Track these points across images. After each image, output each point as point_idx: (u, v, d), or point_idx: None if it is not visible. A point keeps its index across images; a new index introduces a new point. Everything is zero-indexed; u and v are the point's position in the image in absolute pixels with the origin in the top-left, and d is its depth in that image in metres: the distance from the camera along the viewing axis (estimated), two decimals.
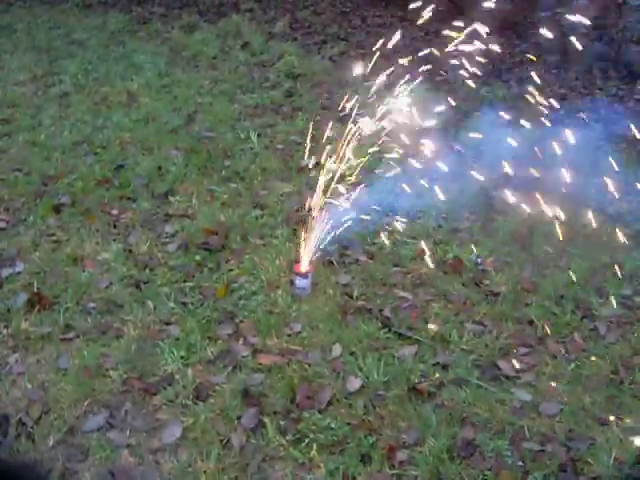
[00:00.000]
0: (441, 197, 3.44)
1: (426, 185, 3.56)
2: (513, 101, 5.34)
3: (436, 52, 3.26)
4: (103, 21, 7.72)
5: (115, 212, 3.91)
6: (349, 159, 3.19)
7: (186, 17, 7.81)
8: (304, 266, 3.25)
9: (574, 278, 3.35)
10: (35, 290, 3.21)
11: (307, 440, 2.49)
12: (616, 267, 3.43)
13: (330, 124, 3.29)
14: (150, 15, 8.05)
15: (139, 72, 6.10)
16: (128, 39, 7.14)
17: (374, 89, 3.14)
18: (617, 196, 3.29)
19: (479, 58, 3.35)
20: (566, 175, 3.21)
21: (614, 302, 3.22)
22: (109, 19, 7.77)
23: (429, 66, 3.37)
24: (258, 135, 4.80)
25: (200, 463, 2.41)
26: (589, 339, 3.05)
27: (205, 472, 2.38)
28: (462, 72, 3.40)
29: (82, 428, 2.54)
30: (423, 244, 3.50)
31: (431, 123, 3.23)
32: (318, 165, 3.36)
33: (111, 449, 2.46)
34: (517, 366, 2.87)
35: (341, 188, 3.21)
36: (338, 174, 3.21)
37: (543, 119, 3.79)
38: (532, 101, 3.65)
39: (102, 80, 5.94)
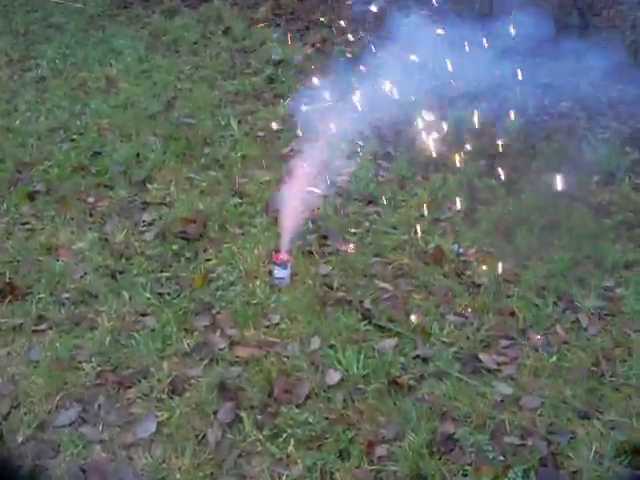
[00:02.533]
0: None
1: None
2: None
3: None
4: (82, 4, 7.57)
5: (91, 200, 3.83)
6: None
7: (167, 2, 7.67)
8: (283, 256, 3.19)
9: (556, 269, 3.33)
10: (7, 280, 3.14)
11: (284, 435, 2.44)
12: (598, 258, 3.42)
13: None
14: None
15: (118, 57, 5.99)
16: (108, 23, 7.01)
17: None
18: None
19: None
20: None
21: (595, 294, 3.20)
22: (88, 2, 7.61)
23: None
24: (238, 122, 4.73)
25: (175, 459, 2.36)
26: (571, 331, 3.02)
27: (180, 468, 2.33)
28: None
29: (53, 423, 2.48)
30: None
31: None
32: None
33: (83, 444, 2.40)
34: (498, 359, 2.83)
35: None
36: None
37: None
38: None
39: (80, 65, 5.83)
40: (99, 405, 2.57)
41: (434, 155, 4.07)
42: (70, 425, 2.48)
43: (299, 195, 3.41)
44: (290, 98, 5.10)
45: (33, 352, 2.79)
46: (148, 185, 3.97)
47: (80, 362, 2.74)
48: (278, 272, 3.16)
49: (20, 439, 2.41)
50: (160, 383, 2.64)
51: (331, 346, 2.84)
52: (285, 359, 2.77)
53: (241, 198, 3.86)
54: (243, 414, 2.51)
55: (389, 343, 2.87)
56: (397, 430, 2.48)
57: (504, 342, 2.94)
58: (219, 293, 3.12)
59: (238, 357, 2.78)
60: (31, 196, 3.81)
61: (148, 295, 3.09)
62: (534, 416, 2.58)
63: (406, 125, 4.59)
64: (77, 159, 4.22)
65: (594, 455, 2.40)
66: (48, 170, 4.09)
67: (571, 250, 3.47)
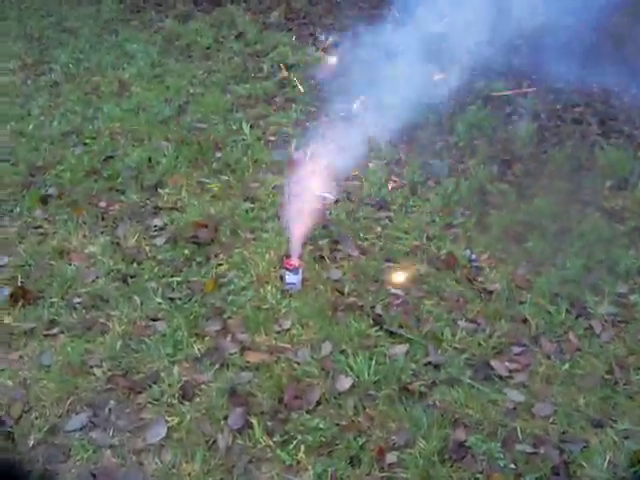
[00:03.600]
0: None
1: None
2: None
3: None
4: (96, 9, 7.61)
5: (103, 204, 3.83)
6: None
7: (180, 6, 7.70)
8: (294, 261, 3.18)
9: (569, 276, 3.30)
10: (19, 284, 3.15)
11: (295, 441, 2.43)
12: (612, 264, 3.39)
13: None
14: (144, 4, 7.93)
15: (131, 61, 6.01)
16: (121, 28, 7.03)
17: None
18: None
19: None
20: None
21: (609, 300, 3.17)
22: (102, 7, 7.65)
23: None
24: (250, 126, 4.72)
25: (185, 464, 2.36)
26: (584, 338, 2.99)
27: (190, 474, 2.33)
28: None
29: (64, 427, 2.48)
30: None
31: None
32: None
33: (93, 449, 2.40)
34: (510, 366, 2.81)
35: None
36: None
37: None
38: None
39: (93, 69, 5.85)
40: (109, 410, 2.57)
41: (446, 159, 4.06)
42: (81, 430, 2.48)
43: (311, 200, 3.40)
44: (302, 103, 5.10)
45: (44, 356, 2.79)
46: (160, 190, 3.97)
47: (91, 367, 2.74)
48: (289, 277, 3.16)
49: (31, 443, 2.41)
50: (171, 388, 2.64)
51: (342, 352, 2.82)
52: (296, 365, 2.76)
53: (253, 203, 3.85)
54: (253, 420, 2.50)
55: (400, 349, 2.85)
56: (408, 437, 2.47)
57: (516, 349, 2.91)
58: (230, 298, 3.12)
59: (249, 362, 2.77)
60: (44, 200, 3.82)
61: (159, 300, 3.09)
62: (546, 424, 2.56)
63: (419, 129, 4.60)
64: (89, 163, 4.23)
65: (607, 464, 2.38)
66: (60, 174, 4.10)
67: (584, 256, 3.44)
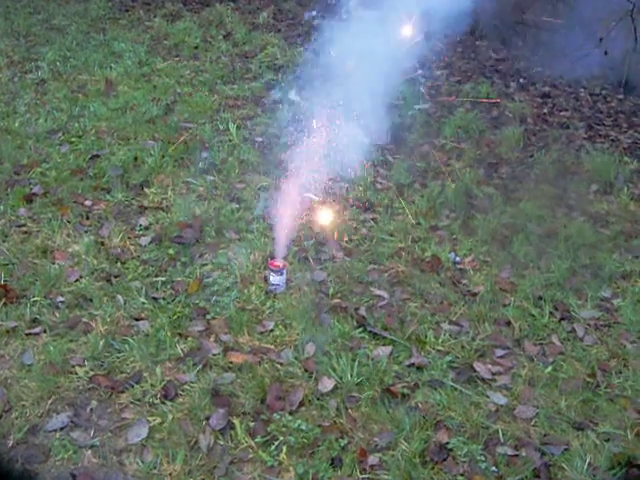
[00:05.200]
0: None
1: None
2: None
3: None
4: (84, 7, 7.57)
5: (88, 203, 3.81)
6: None
7: (169, 5, 7.69)
8: (279, 262, 3.18)
9: (553, 279, 3.32)
10: (2, 282, 3.12)
11: (277, 442, 2.43)
12: (596, 268, 3.41)
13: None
14: (132, 2, 7.91)
15: (119, 60, 5.99)
16: (109, 26, 7.01)
17: None
18: None
19: None
20: None
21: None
22: (90, 5, 7.62)
23: None
24: (237, 127, 4.72)
25: (166, 465, 2.35)
26: (567, 341, 3.01)
27: (171, 474, 2.32)
28: None
29: (44, 427, 2.46)
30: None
31: None
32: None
33: (74, 449, 2.38)
34: (493, 369, 2.82)
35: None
36: None
37: None
38: None
39: (81, 68, 5.82)
40: (91, 410, 2.55)
41: (433, 162, 4.07)
42: (61, 429, 2.46)
43: (296, 201, 3.40)
44: (289, 103, 5.09)
45: (26, 355, 2.76)
46: (145, 189, 3.96)
47: (73, 366, 2.72)
48: (274, 278, 3.15)
49: (11, 443, 2.39)
50: (153, 388, 2.63)
51: (325, 353, 2.82)
52: (279, 365, 2.76)
53: (238, 203, 3.85)
54: (236, 420, 2.50)
55: (384, 351, 2.85)
56: (390, 439, 2.47)
57: (499, 352, 2.93)
58: (214, 298, 3.11)
59: (232, 363, 2.76)
60: (28, 198, 3.79)
61: (143, 299, 3.08)
62: (528, 426, 2.57)
63: (406, 131, 4.61)
64: (75, 162, 4.21)
65: (588, 467, 2.39)
66: (46, 172, 4.07)
67: (568, 260, 3.46)
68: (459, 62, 6.46)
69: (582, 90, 5.95)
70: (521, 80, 5.94)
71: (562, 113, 5.34)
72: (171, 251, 3.41)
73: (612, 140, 4.88)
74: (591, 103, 5.60)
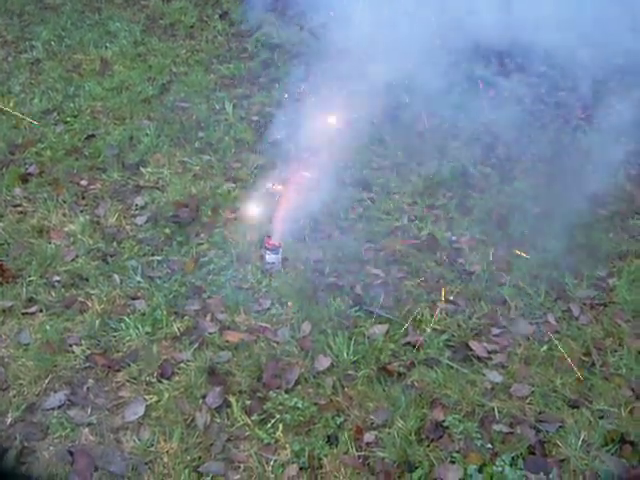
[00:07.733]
0: None
1: None
2: None
3: None
4: None
5: (84, 183, 3.80)
6: None
7: None
8: (275, 240, 3.17)
9: (549, 258, 3.32)
10: None
11: (273, 420, 2.44)
12: (592, 248, 3.41)
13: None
14: None
15: (114, 40, 5.92)
16: (104, 5, 6.91)
17: None
18: None
19: None
20: None
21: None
22: None
23: None
24: (233, 106, 4.69)
25: (163, 443, 2.36)
26: (562, 320, 3.02)
27: (168, 452, 2.33)
28: None
29: (42, 406, 2.47)
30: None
31: None
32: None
33: (71, 427, 2.40)
34: (489, 347, 2.83)
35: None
36: None
37: None
38: None
39: (75, 47, 5.76)
40: (88, 388, 2.56)
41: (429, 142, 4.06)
42: (59, 408, 2.47)
43: (292, 180, 3.40)
44: (285, 82, 5.07)
45: (23, 335, 2.77)
46: (141, 168, 3.95)
47: (70, 345, 2.73)
48: (269, 257, 3.15)
49: (9, 421, 2.40)
50: (149, 367, 2.64)
51: (321, 332, 2.83)
52: (275, 344, 2.77)
53: (234, 182, 3.84)
54: (232, 399, 2.51)
55: (380, 329, 2.86)
56: (386, 416, 2.48)
57: (495, 330, 2.94)
58: (210, 277, 3.11)
59: (228, 342, 2.77)
60: (23, 178, 3.78)
61: (139, 279, 3.08)
62: (523, 404, 2.58)
63: (402, 110, 4.58)
64: (70, 141, 4.19)
65: (582, 444, 2.41)
66: (41, 152, 4.05)
67: (564, 239, 3.46)
68: None
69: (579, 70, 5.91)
70: (518, 60, 5.89)
71: (559, 93, 5.31)
72: (167, 230, 3.40)
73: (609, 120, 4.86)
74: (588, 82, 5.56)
